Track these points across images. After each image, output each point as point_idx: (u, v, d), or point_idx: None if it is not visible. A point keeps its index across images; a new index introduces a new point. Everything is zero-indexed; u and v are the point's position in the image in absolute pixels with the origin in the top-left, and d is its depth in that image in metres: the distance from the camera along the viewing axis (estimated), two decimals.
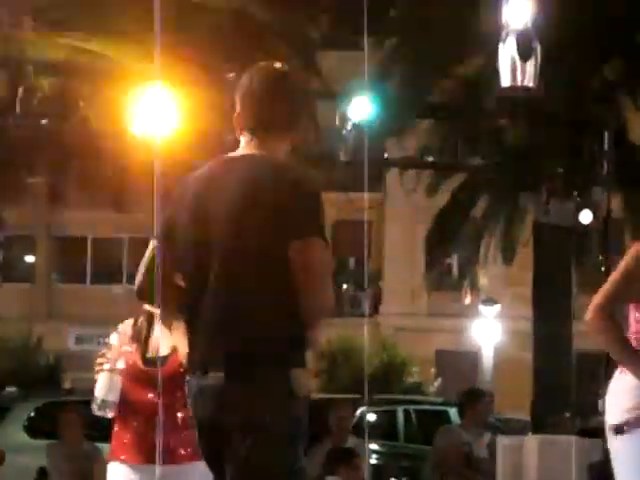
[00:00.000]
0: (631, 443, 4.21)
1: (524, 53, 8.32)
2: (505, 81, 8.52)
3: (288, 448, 3.43)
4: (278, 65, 3.64)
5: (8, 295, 19.19)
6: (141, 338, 4.87)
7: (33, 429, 12.83)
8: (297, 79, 3.66)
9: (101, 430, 6.24)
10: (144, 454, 4.86)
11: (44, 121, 8.66)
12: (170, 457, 4.83)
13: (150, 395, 4.88)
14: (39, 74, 8.67)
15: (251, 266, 3.39)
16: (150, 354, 4.93)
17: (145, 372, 4.83)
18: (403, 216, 27.06)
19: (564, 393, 13.39)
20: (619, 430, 4.18)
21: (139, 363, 4.86)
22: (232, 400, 3.35)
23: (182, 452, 4.95)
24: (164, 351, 4.92)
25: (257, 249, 3.39)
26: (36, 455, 11.76)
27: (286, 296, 3.35)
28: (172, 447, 4.85)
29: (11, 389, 15.57)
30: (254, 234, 3.39)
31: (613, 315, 4.20)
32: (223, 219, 3.42)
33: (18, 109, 8.46)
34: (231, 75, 9.35)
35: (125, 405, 4.77)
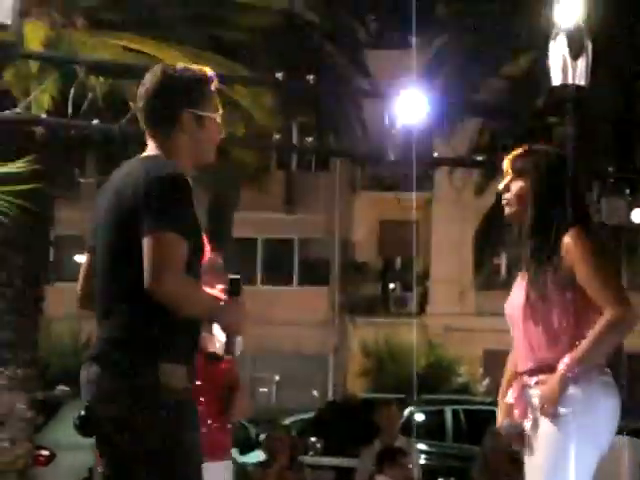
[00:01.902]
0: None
1: (575, 51, 8.26)
2: (556, 79, 8.45)
3: (151, 444, 3.49)
4: (159, 66, 3.80)
5: (58, 294, 19.31)
6: None
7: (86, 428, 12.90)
8: (173, 78, 3.75)
9: None
10: None
11: (95, 121, 8.70)
12: (207, 454, 4.83)
13: (196, 391, 4.88)
14: (90, 74, 8.72)
15: (118, 266, 3.58)
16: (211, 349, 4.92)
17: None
18: (451, 215, 26.96)
19: None
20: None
21: None
22: (100, 391, 3.53)
23: (218, 449, 4.95)
24: (219, 349, 4.92)
25: (121, 249, 3.57)
26: (86, 453, 11.85)
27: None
28: (210, 443, 4.86)
29: (62, 388, 15.70)
30: (119, 236, 3.57)
31: None
32: (102, 222, 3.64)
33: (70, 109, 8.51)
34: (279, 74, 9.35)
35: None
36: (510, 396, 4.33)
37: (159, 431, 3.49)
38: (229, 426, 5.08)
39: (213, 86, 3.83)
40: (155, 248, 3.46)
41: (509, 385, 4.42)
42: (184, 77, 3.75)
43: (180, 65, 3.80)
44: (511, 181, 4.37)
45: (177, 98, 3.73)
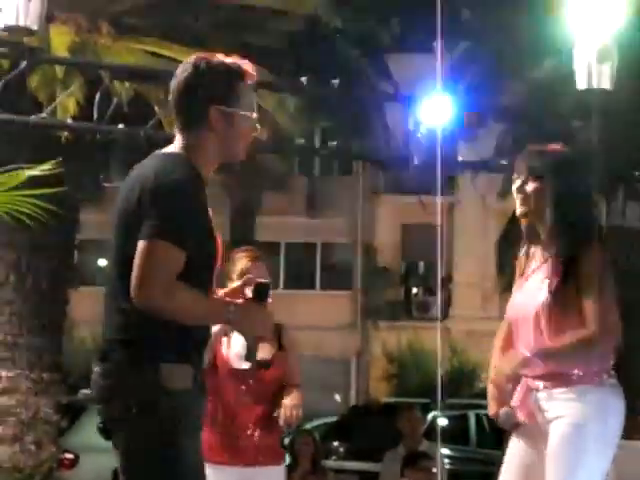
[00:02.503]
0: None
1: (600, 55, 8.23)
2: (581, 83, 8.42)
3: (150, 443, 3.49)
4: (192, 58, 3.64)
5: (81, 298, 19.41)
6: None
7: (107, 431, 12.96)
8: (203, 72, 3.59)
9: None
10: (227, 454, 4.85)
11: (120, 126, 8.73)
12: (252, 459, 4.83)
13: (242, 395, 4.87)
14: (115, 79, 8.75)
15: (122, 267, 3.50)
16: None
17: (241, 372, 4.78)
18: (474, 219, 26.92)
19: (638, 396, 13.19)
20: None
21: (235, 362, 4.79)
22: (100, 391, 3.55)
23: (264, 454, 4.95)
24: (266, 354, 4.90)
25: (125, 250, 3.50)
26: (110, 456, 11.87)
27: None
28: (256, 448, 4.86)
29: (86, 391, 15.76)
30: (124, 237, 3.52)
31: None
32: (115, 222, 3.58)
33: (95, 114, 8.54)
34: (303, 79, 9.36)
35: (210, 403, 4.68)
36: (515, 399, 4.36)
37: (157, 431, 3.48)
38: (279, 431, 5.04)
39: (249, 81, 3.63)
40: (143, 257, 3.39)
41: (499, 377, 4.44)
42: (215, 71, 3.57)
43: (216, 57, 3.62)
44: (526, 182, 4.36)
45: (205, 93, 3.56)
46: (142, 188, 3.48)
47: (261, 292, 3.55)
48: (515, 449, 4.36)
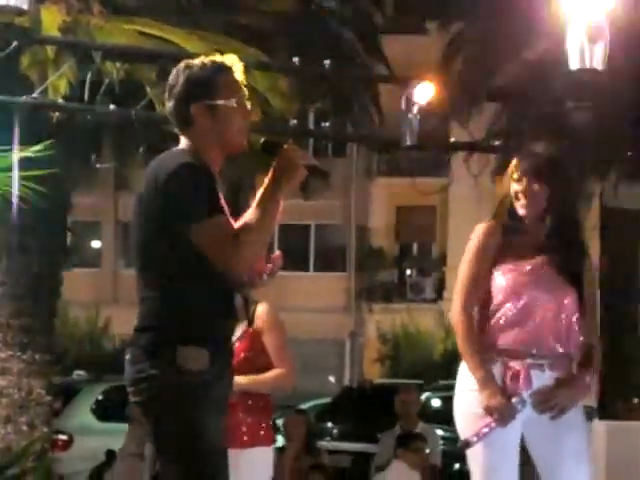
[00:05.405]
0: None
1: (593, 36, 8.22)
2: (573, 64, 8.41)
3: (167, 425, 3.63)
4: (179, 65, 3.90)
5: (75, 280, 19.42)
6: None
7: (101, 412, 13.01)
8: (183, 75, 3.85)
9: None
10: None
11: (112, 106, 8.71)
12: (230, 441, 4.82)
13: None
14: (107, 59, 8.73)
15: (145, 255, 3.74)
16: None
17: None
18: (467, 201, 26.90)
19: (633, 378, 13.26)
20: (466, 445, 4.35)
21: None
22: (129, 376, 3.73)
23: (242, 437, 4.95)
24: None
25: (147, 241, 3.74)
26: (104, 438, 11.91)
27: (172, 280, 3.67)
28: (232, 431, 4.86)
29: (79, 373, 15.80)
30: (146, 229, 3.75)
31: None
32: (135, 212, 3.81)
33: (86, 95, 8.52)
34: (296, 59, 9.34)
35: None
36: (521, 380, 4.41)
37: (177, 412, 3.61)
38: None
39: (230, 74, 3.85)
40: (204, 240, 3.63)
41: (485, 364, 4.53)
42: (191, 70, 3.83)
43: (199, 60, 3.86)
44: (529, 183, 4.45)
45: (184, 93, 3.83)
46: (156, 180, 3.72)
47: (270, 148, 3.86)
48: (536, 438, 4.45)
